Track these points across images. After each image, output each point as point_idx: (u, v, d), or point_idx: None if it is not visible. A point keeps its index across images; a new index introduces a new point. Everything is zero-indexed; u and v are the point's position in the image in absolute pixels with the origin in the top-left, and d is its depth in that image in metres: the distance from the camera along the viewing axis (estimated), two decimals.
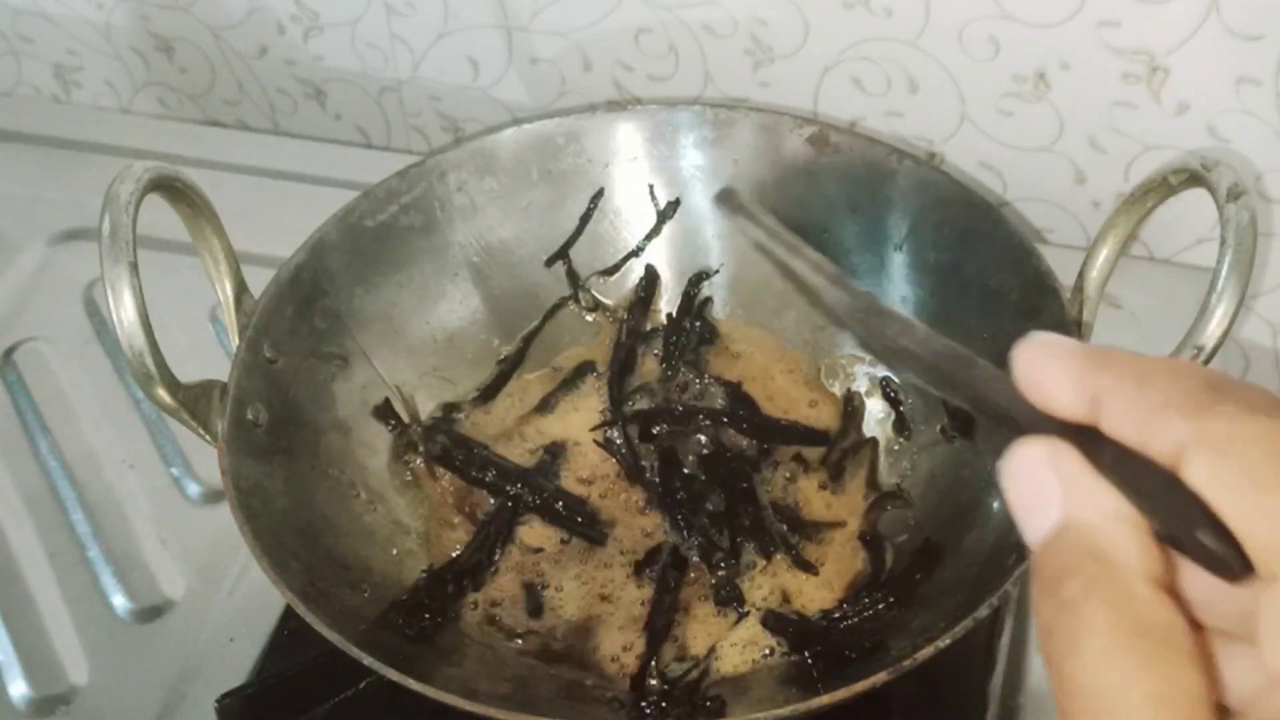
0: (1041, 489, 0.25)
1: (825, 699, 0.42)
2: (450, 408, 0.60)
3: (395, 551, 0.54)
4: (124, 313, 0.45)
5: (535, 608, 0.53)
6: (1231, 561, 0.22)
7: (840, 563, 0.54)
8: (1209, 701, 0.22)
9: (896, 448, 0.58)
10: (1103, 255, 0.50)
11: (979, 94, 0.65)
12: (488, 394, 0.61)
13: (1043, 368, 0.26)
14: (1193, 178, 0.47)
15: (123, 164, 0.47)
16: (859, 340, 0.32)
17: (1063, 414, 0.25)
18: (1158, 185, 0.49)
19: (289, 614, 0.55)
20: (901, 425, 0.58)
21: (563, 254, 0.62)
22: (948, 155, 0.69)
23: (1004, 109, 0.65)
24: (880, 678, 0.42)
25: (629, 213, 0.63)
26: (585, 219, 0.62)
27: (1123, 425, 0.24)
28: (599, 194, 0.62)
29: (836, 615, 0.52)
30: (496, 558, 0.55)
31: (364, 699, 0.51)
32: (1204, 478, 0.22)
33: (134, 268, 0.45)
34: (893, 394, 0.59)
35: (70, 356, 0.68)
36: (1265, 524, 0.22)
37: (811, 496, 0.57)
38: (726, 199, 0.40)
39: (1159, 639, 0.23)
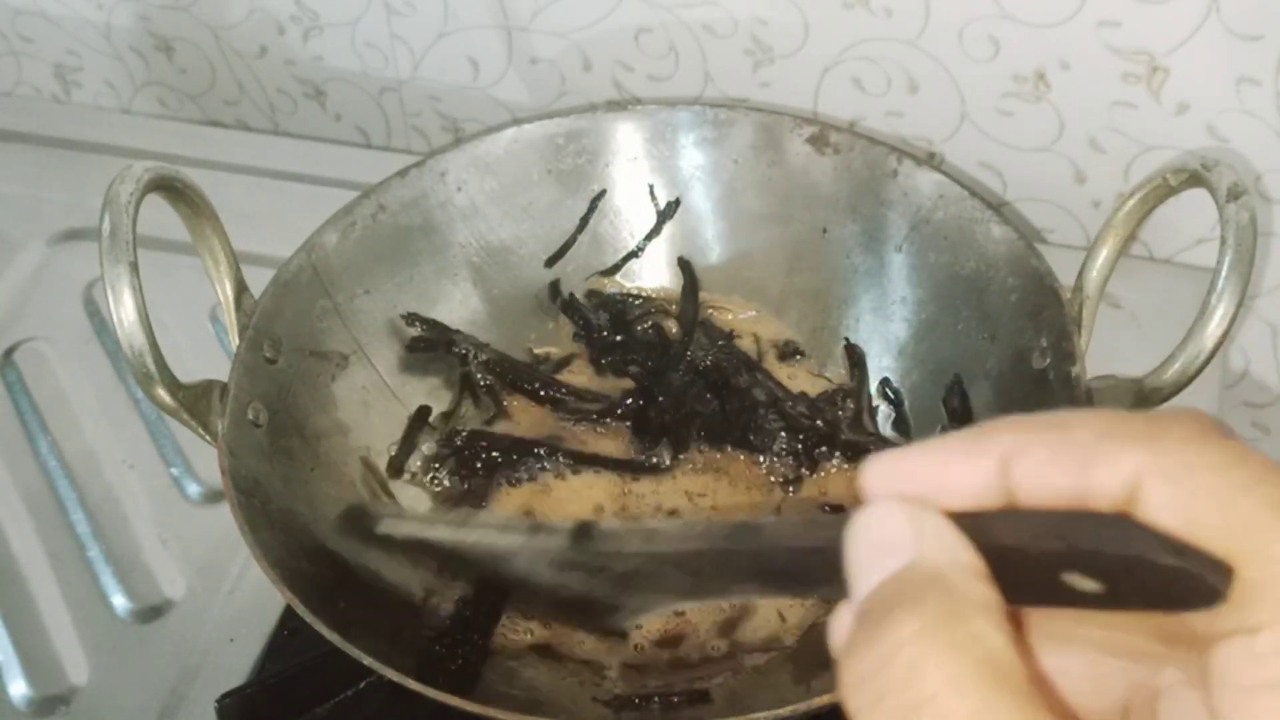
0: (893, 536, 0.23)
1: (825, 699, 0.42)
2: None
3: (396, 551, 0.54)
4: (124, 313, 0.45)
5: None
6: (1208, 576, 0.20)
7: None
8: None
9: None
10: (1103, 255, 0.50)
11: (979, 94, 0.65)
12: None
13: (929, 465, 0.23)
14: (1193, 178, 0.47)
15: (123, 164, 0.47)
16: (579, 599, 0.28)
17: (958, 503, 0.23)
18: (1158, 185, 0.49)
19: (289, 614, 0.55)
20: (901, 425, 0.58)
21: (563, 254, 0.62)
22: (948, 155, 0.69)
23: (1004, 109, 0.65)
24: None
25: (629, 213, 0.63)
26: (585, 219, 0.62)
27: (1052, 474, 0.22)
28: (600, 194, 0.62)
29: None
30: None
31: (364, 699, 0.51)
32: (1163, 512, 0.21)
33: (134, 268, 0.45)
34: (892, 394, 0.59)
35: (70, 356, 0.68)
36: (1253, 557, 0.20)
37: None
38: (352, 523, 0.35)
39: (1007, 678, 0.20)
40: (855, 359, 0.59)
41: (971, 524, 0.23)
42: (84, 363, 0.68)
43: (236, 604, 0.57)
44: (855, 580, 0.23)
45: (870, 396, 0.59)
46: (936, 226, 0.57)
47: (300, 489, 0.52)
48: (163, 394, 0.47)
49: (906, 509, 0.23)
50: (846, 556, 0.23)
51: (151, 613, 0.57)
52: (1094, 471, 0.22)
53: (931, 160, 0.68)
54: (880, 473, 0.24)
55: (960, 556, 0.22)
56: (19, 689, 0.55)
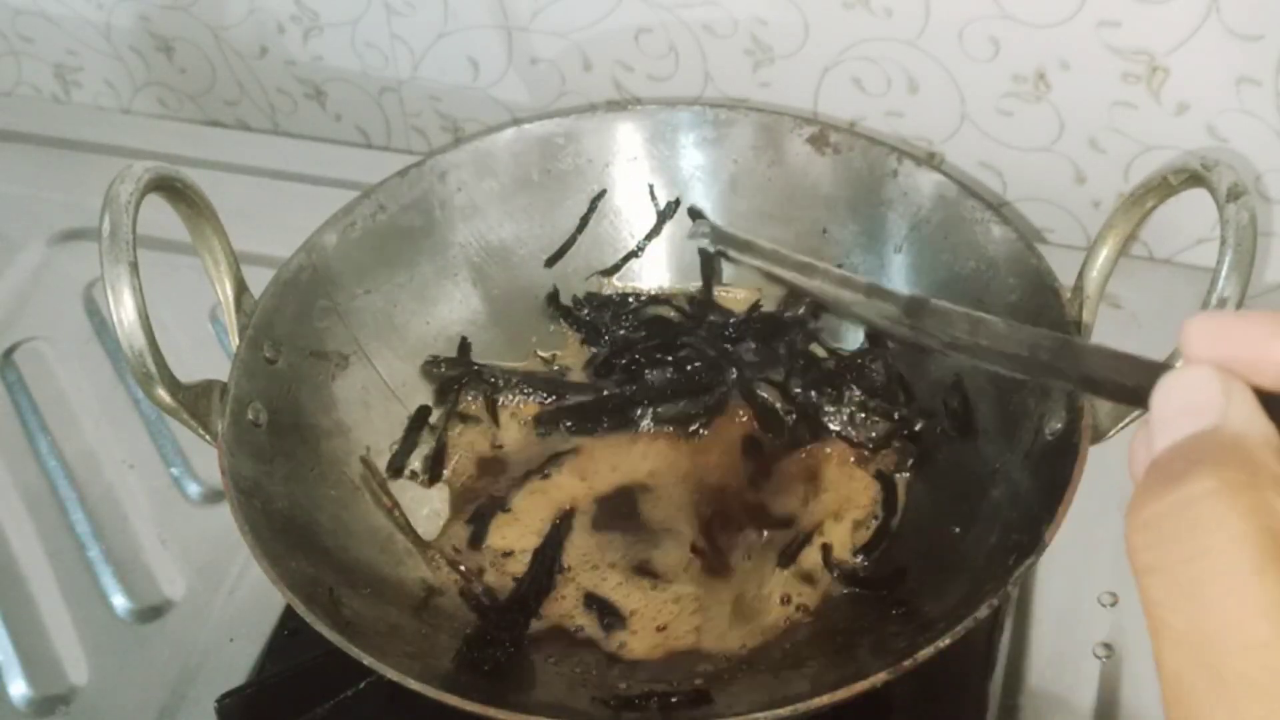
0: (1202, 396, 0.23)
1: (825, 699, 0.42)
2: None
3: (396, 551, 0.54)
4: (124, 313, 0.45)
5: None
6: None
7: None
8: None
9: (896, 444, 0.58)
10: (1103, 255, 0.50)
11: (979, 94, 0.65)
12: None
13: (1252, 334, 0.24)
14: (1193, 178, 0.47)
15: (123, 164, 0.47)
16: (908, 341, 0.30)
17: (1270, 380, 0.24)
18: (1158, 185, 0.49)
19: (289, 614, 0.55)
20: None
21: (563, 254, 0.62)
22: (948, 155, 0.69)
23: (1004, 109, 0.65)
24: (880, 678, 0.42)
25: (629, 213, 0.63)
26: (585, 219, 0.62)
27: None
28: (600, 194, 0.62)
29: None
30: (556, 578, 0.54)
31: (364, 699, 0.51)
32: None
33: (134, 268, 0.45)
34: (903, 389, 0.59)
35: (70, 356, 0.68)
36: None
37: None
38: (711, 233, 0.37)
39: None
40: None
41: (1275, 405, 0.24)
42: (84, 363, 0.68)
43: (236, 604, 0.57)
44: (1159, 431, 0.24)
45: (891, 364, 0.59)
46: (936, 226, 0.57)
47: (300, 489, 0.52)
48: (163, 394, 0.47)
49: (1221, 377, 0.24)
50: (1153, 406, 0.25)
51: (151, 613, 0.57)
52: None
53: (931, 160, 0.68)
54: (1204, 330, 0.25)
55: (1263, 430, 0.23)
56: (19, 689, 0.55)
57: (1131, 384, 0.26)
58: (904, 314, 0.30)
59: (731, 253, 0.35)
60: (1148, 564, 0.22)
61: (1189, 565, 0.21)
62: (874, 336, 0.59)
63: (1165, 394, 0.24)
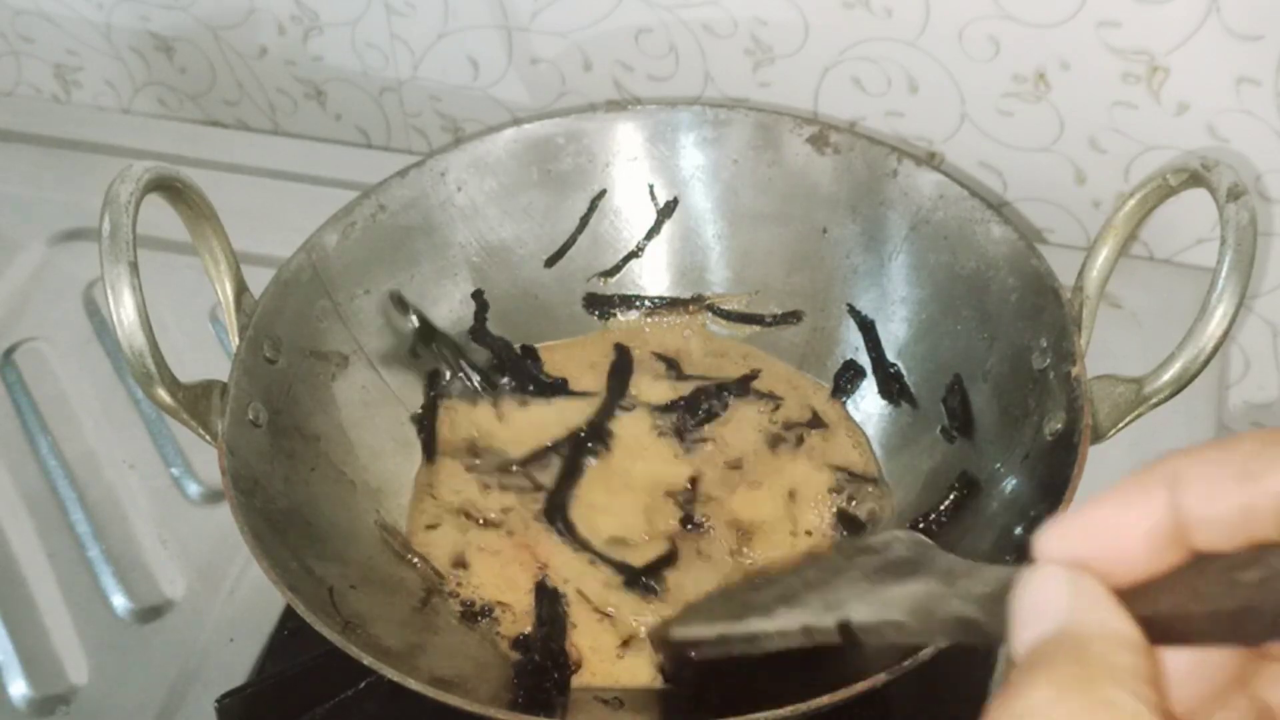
0: (1049, 601, 0.24)
1: (825, 699, 0.42)
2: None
3: (396, 551, 0.54)
4: (124, 313, 0.45)
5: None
6: None
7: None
8: None
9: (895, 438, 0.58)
10: (1103, 255, 0.50)
11: (979, 94, 0.65)
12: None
13: (1101, 522, 0.25)
14: (1193, 178, 0.47)
15: (123, 164, 0.47)
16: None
17: (1130, 565, 0.24)
18: (1158, 185, 0.49)
19: (289, 614, 0.55)
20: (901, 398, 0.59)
21: (563, 254, 0.62)
22: (948, 155, 0.69)
23: (1004, 109, 0.65)
24: (880, 678, 0.42)
25: (629, 213, 0.63)
26: (585, 219, 0.62)
27: (1222, 489, 0.23)
28: (600, 194, 0.62)
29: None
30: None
31: (364, 699, 0.51)
32: None
33: (134, 268, 0.45)
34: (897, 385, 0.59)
35: (70, 356, 0.68)
36: None
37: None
38: (661, 641, 0.42)
39: None
40: (864, 325, 0.60)
41: (1139, 594, 0.24)
42: (84, 363, 0.68)
43: (236, 604, 0.57)
44: (1012, 640, 0.25)
45: (890, 363, 0.59)
46: (936, 226, 0.57)
47: (300, 489, 0.52)
48: (163, 394, 0.47)
49: (1064, 576, 0.24)
50: (1011, 614, 0.25)
51: (151, 613, 0.57)
52: (1264, 479, 0.23)
53: (931, 160, 0.68)
54: (1054, 538, 0.25)
55: (1110, 625, 0.23)
56: (19, 689, 0.55)
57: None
58: (840, 635, 0.32)
59: (689, 651, 0.39)
60: None
61: None
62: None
63: (1016, 599, 0.25)
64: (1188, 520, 0.24)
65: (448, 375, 0.60)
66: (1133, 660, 0.23)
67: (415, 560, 0.54)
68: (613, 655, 0.52)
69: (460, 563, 0.55)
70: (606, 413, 0.60)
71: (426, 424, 0.59)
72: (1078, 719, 0.22)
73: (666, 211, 0.62)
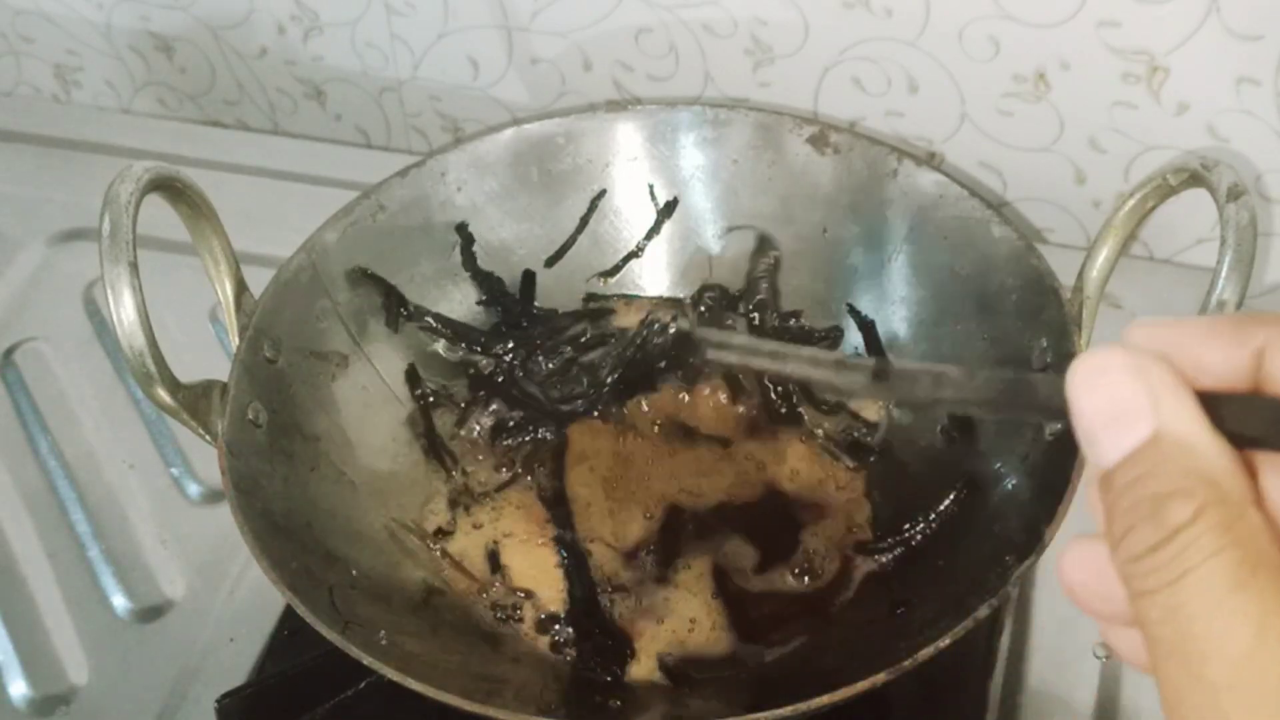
0: (1127, 398, 0.23)
1: (825, 699, 0.42)
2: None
3: (395, 551, 0.54)
4: (124, 313, 0.45)
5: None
6: None
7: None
8: None
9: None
10: (1103, 255, 0.50)
11: (979, 94, 0.65)
12: None
13: (1192, 340, 0.24)
14: (1193, 178, 0.47)
15: (123, 164, 0.47)
16: (889, 403, 0.32)
17: (1206, 381, 0.24)
18: (1158, 185, 0.49)
19: (289, 614, 0.55)
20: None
21: (563, 254, 0.62)
22: (948, 155, 0.69)
23: (1004, 109, 0.65)
24: (880, 678, 0.42)
25: (629, 213, 0.63)
26: (585, 219, 0.62)
27: None
28: (600, 194, 0.62)
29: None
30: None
31: (364, 699, 0.51)
32: None
33: (134, 268, 0.45)
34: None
35: (70, 356, 0.68)
36: None
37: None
38: (690, 345, 0.40)
39: (1263, 565, 0.22)
40: (864, 325, 0.60)
41: (1213, 403, 0.24)
42: (84, 363, 0.68)
43: (236, 604, 0.57)
44: (1091, 440, 0.24)
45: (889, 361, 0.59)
46: (936, 227, 0.57)
47: (300, 489, 0.52)
48: (162, 394, 0.47)
49: (1137, 367, 0.23)
50: (1074, 409, 0.24)
51: (151, 613, 0.57)
52: None
53: (931, 160, 0.68)
54: (1144, 336, 0.24)
55: (1201, 429, 0.23)
56: (19, 689, 0.55)
57: None
58: (871, 381, 0.31)
59: (709, 353, 0.37)
60: (1138, 589, 0.23)
61: (1174, 588, 0.22)
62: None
63: (1081, 388, 0.24)
64: (1263, 380, 0.24)
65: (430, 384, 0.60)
66: (1243, 481, 0.23)
67: (449, 570, 0.55)
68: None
69: (494, 562, 0.55)
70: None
71: (425, 424, 0.59)
72: (1215, 539, 0.22)
73: (666, 211, 0.62)
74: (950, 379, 0.29)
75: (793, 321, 0.61)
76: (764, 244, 0.61)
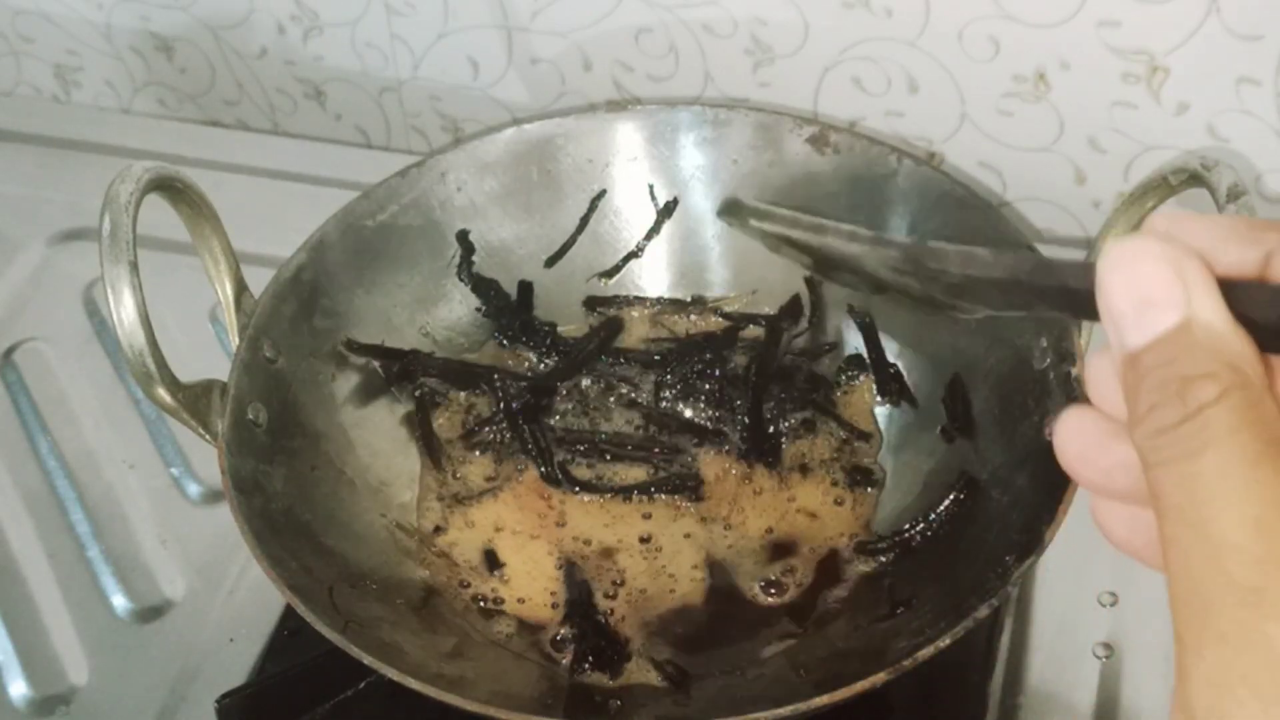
0: (1160, 285, 0.24)
1: (825, 699, 0.42)
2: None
3: (395, 550, 0.54)
4: (124, 312, 0.45)
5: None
6: None
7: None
8: None
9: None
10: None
11: (979, 94, 0.65)
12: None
13: (1207, 236, 0.25)
14: (1193, 178, 0.47)
15: (123, 164, 0.47)
16: (920, 297, 0.31)
17: (1217, 269, 0.25)
18: (1158, 185, 0.49)
19: (289, 614, 0.55)
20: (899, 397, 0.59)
21: (563, 254, 0.62)
22: (948, 155, 0.69)
23: (1004, 109, 0.65)
24: (880, 678, 0.42)
25: (629, 213, 0.63)
26: (585, 219, 0.62)
27: None
28: (600, 194, 0.62)
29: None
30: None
31: (364, 699, 0.51)
32: None
33: (134, 267, 0.45)
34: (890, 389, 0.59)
35: (70, 356, 0.68)
36: None
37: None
38: (732, 209, 0.40)
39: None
40: (864, 325, 0.60)
41: (1231, 291, 0.24)
42: (84, 363, 0.68)
43: (236, 604, 0.57)
44: (1120, 323, 0.25)
45: (889, 363, 0.59)
46: (937, 227, 0.57)
47: (300, 488, 0.52)
48: (163, 394, 0.47)
49: (1173, 256, 0.24)
50: (1104, 295, 0.25)
51: (151, 613, 0.57)
52: None
53: (932, 160, 0.68)
54: (1167, 225, 0.25)
55: (1224, 318, 0.24)
56: (19, 689, 0.55)
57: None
58: (904, 258, 0.31)
59: (752, 221, 0.37)
60: (1157, 459, 0.24)
61: (1193, 458, 0.23)
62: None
63: (1115, 274, 0.25)
64: (1274, 275, 0.24)
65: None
66: (1259, 366, 0.24)
67: (446, 570, 0.54)
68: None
69: (493, 560, 0.55)
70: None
71: (421, 423, 0.59)
72: (1239, 417, 0.23)
73: (666, 211, 0.62)
74: (979, 257, 0.29)
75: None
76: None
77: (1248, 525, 0.22)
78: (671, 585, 0.54)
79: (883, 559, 0.53)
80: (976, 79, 0.64)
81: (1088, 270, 0.26)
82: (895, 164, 0.58)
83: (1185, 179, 0.48)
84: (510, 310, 0.61)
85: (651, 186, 0.62)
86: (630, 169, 0.62)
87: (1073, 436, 0.27)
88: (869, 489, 0.56)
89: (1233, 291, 0.24)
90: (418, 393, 0.59)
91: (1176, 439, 0.23)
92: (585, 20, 0.69)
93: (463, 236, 0.60)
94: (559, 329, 0.62)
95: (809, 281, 0.61)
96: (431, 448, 0.58)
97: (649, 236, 0.63)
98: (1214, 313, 0.24)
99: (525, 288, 0.62)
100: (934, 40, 0.63)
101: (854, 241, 0.33)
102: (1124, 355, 0.25)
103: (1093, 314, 0.26)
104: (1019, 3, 0.60)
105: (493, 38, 0.71)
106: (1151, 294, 0.24)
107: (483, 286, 0.61)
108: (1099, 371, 0.27)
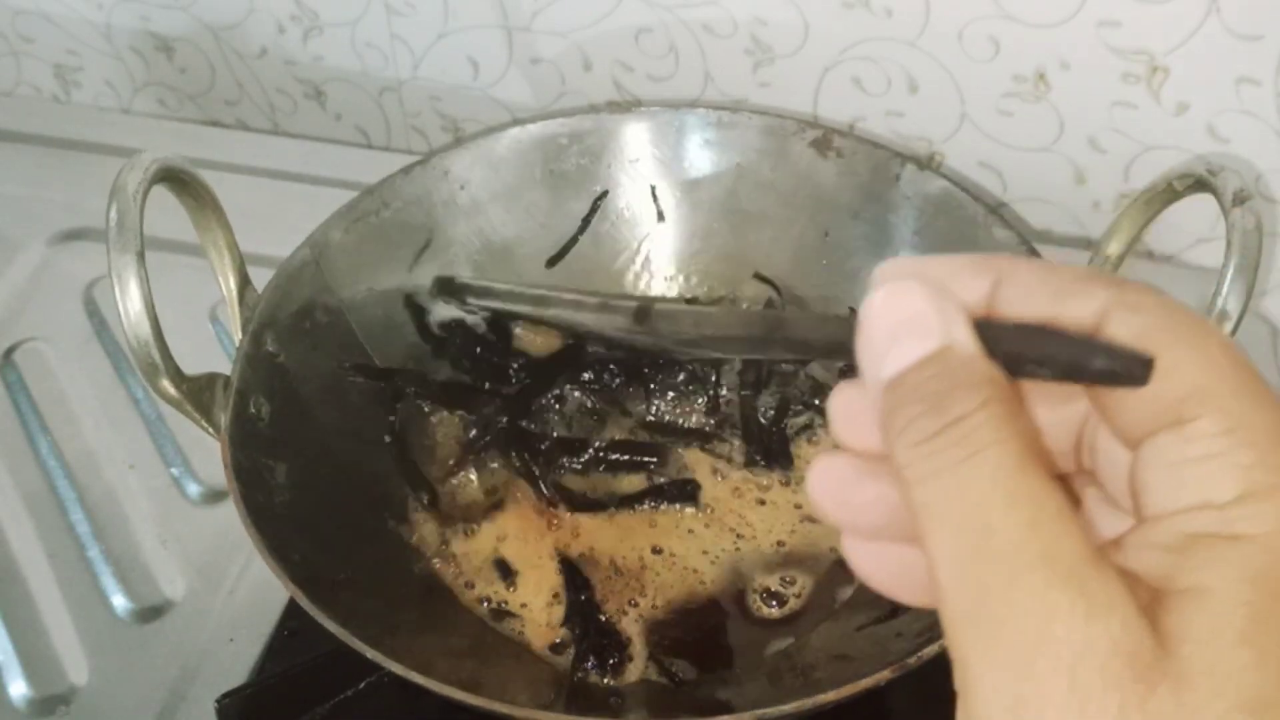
0: (921, 316, 0.25)
1: (825, 698, 0.42)
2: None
3: (398, 545, 0.54)
4: (130, 303, 0.45)
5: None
6: (1135, 368, 0.23)
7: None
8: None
9: None
10: (1107, 259, 0.50)
11: (979, 94, 0.65)
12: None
13: (939, 273, 0.26)
14: (1198, 183, 0.47)
15: (122, 164, 0.47)
16: (656, 349, 0.32)
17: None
18: (1162, 190, 0.49)
19: (289, 614, 0.55)
20: None
21: (564, 254, 0.62)
22: (948, 155, 0.69)
23: (1004, 109, 0.65)
24: (881, 677, 0.42)
25: (630, 213, 0.63)
26: (587, 219, 0.62)
27: (1031, 300, 0.25)
28: (601, 194, 0.62)
29: None
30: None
31: (364, 699, 0.51)
32: (1127, 331, 0.24)
33: (141, 257, 0.45)
34: None
35: (70, 356, 0.68)
36: (1183, 369, 0.23)
37: None
38: (447, 287, 0.40)
39: (1048, 467, 0.23)
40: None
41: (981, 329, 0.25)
42: (84, 363, 0.67)
43: (236, 604, 0.57)
44: (879, 355, 0.25)
45: None
46: (939, 230, 0.57)
47: (302, 482, 0.52)
48: (167, 385, 0.47)
49: (931, 293, 0.25)
50: (865, 332, 0.26)
51: (151, 613, 0.57)
52: (1068, 302, 0.25)
53: (932, 161, 0.68)
54: (895, 270, 0.26)
55: (978, 346, 0.25)
56: (19, 689, 0.55)
57: (841, 337, 0.27)
58: (635, 322, 0.32)
59: (470, 300, 0.37)
60: (917, 475, 0.24)
61: (958, 469, 0.23)
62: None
63: (876, 315, 0.25)
64: (994, 308, 0.25)
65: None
66: (1017, 392, 0.25)
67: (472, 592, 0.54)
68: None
69: (505, 569, 0.55)
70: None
71: (399, 458, 0.57)
72: (1003, 425, 0.23)
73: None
74: (713, 318, 0.30)
75: None
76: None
77: (1022, 532, 0.22)
78: (674, 586, 0.54)
79: None
80: (976, 79, 0.64)
81: (822, 322, 0.27)
82: (898, 168, 0.58)
83: (1191, 184, 0.48)
84: (485, 355, 0.59)
85: (653, 187, 0.62)
86: (632, 170, 0.62)
87: (822, 478, 0.28)
88: None
89: (979, 328, 0.25)
90: (395, 422, 0.57)
91: (939, 448, 0.23)
92: (585, 20, 0.69)
93: (409, 300, 0.59)
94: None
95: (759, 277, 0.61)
96: (414, 483, 0.56)
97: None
98: (969, 340, 0.25)
99: (503, 332, 0.59)
100: (934, 40, 0.63)
101: (581, 310, 0.33)
102: (883, 382, 0.25)
103: (832, 355, 0.27)
104: (1019, 3, 0.60)
105: (493, 38, 0.71)
106: (912, 325, 0.25)
107: (445, 345, 0.59)
108: (844, 407, 0.27)
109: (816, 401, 0.58)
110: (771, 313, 0.28)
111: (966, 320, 0.25)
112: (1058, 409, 0.27)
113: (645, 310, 0.31)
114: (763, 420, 0.58)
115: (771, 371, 0.59)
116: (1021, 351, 0.24)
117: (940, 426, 0.24)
